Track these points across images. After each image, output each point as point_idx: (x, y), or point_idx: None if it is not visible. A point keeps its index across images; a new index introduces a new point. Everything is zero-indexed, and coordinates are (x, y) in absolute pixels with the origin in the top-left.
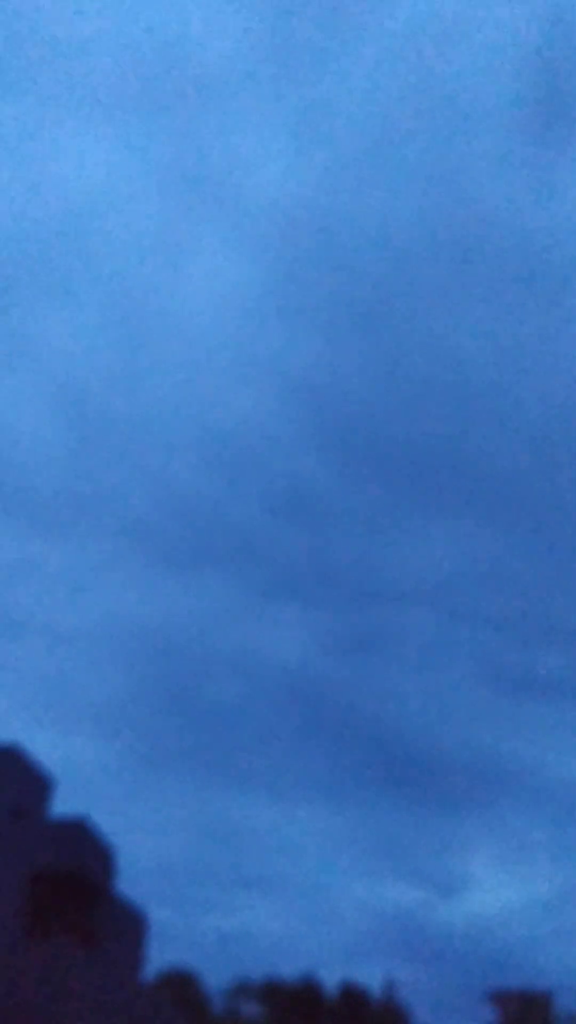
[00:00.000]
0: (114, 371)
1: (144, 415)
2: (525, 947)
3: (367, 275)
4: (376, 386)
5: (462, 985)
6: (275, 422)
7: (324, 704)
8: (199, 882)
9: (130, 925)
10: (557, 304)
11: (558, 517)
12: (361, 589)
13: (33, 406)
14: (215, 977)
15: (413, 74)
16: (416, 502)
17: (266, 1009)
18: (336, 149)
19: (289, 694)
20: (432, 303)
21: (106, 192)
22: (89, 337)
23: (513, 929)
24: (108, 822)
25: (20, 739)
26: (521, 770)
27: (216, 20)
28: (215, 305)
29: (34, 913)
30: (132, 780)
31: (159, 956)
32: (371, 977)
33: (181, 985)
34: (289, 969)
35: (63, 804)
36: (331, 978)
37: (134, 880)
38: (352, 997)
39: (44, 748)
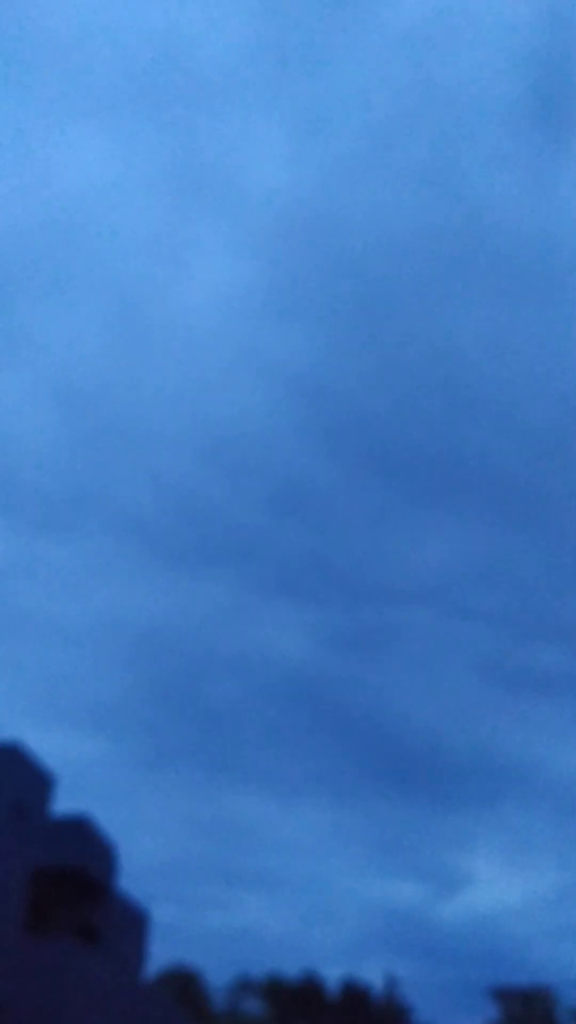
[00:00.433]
0: (114, 370)
1: (144, 414)
2: (527, 944)
3: (367, 274)
4: (376, 385)
5: (464, 982)
6: (275, 421)
7: (325, 701)
8: (200, 879)
9: (131, 922)
10: (557, 304)
11: (558, 514)
12: (362, 587)
13: (33, 405)
14: (217, 974)
15: (413, 74)
16: (416, 500)
17: (268, 1006)
18: (336, 149)
19: (290, 691)
20: (432, 303)
21: (106, 192)
22: (89, 336)
23: (515, 926)
24: (109, 820)
25: (21, 737)
26: (522, 766)
27: (216, 20)
28: (215, 304)
29: (36, 910)
30: (133, 778)
31: (161, 953)
32: (373, 974)
33: (183, 982)
34: (291, 966)
35: (64, 802)
36: (333, 975)
37: (135, 877)
38: (354, 994)
39: (45, 746)
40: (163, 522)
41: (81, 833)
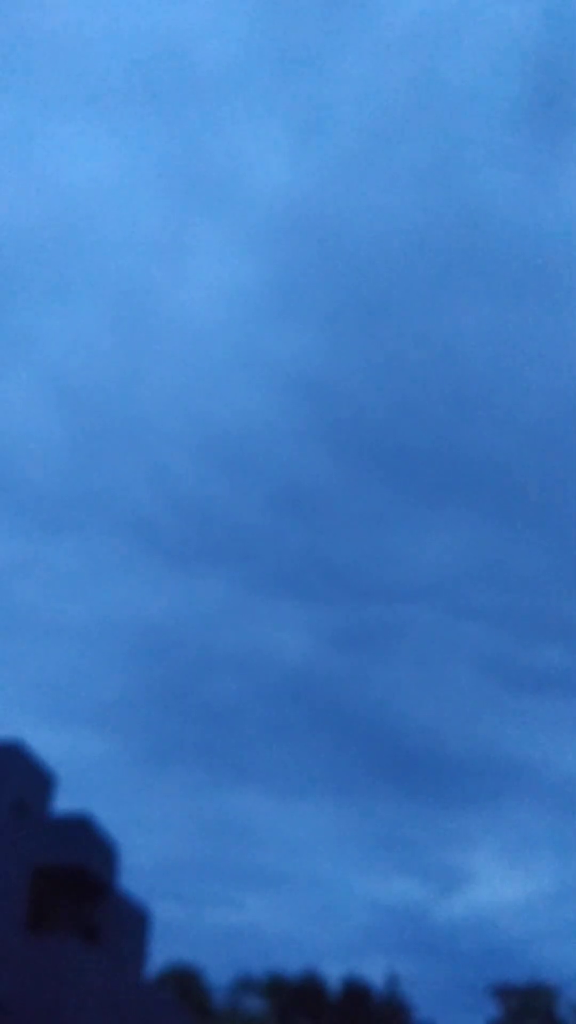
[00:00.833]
0: (115, 369)
1: (145, 413)
2: (528, 942)
3: (367, 273)
4: (377, 384)
5: (465, 980)
6: (276, 419)
7: (326, 700)
8: (202, 878)
9: (133, 921)
10: (557, 304)
11: (559, 513)
12: (363, 585)
13: (33, 405)
14: (218, 972)
15: (413, 74)
16: (417, 499)
17: (269, 1004)
18: (336, 148)
19: (291, 690)
20: (432, 302)
21: (106, 192)
22: (89, 336)
23: (516, 924)
24: (110, 818)
25: (22, 736)
26: (524, 765)
27: (216, 20)
28: (216, 303)
29: (37, 909)
30: (134, 776)
31: (162, 952)
32: (374, 972)
33: (184, 981)
34: (292, 964)
35: (65, 800)
36: (334, 973)
37: (137, 876)
38: (355, 992)
39: (46, 745)
40: (164, 521)
41: (82, 832)
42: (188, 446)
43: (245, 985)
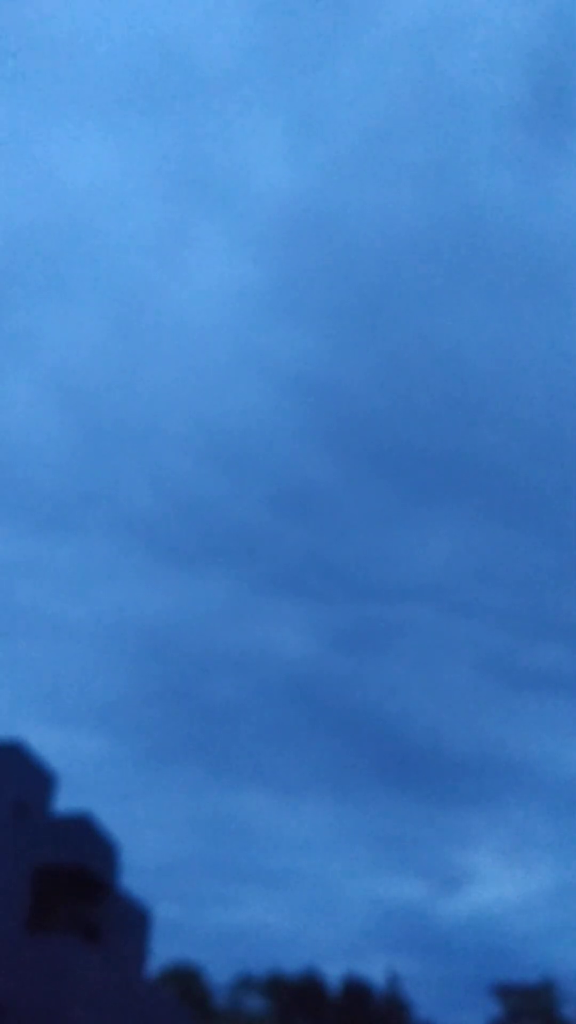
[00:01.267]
0: (115, 369)
1: (145, 413)
2: (529, 941)
3: (367, 273)
4: (377, 383)
5: (465, 979)
6: (276, 419)
7: (327, 699)
8: (202, 877)
9: (134, 920)
10: (557, 303)
11: (560, 512)
12: (363, 585)
13: (34, 405)
14: (219, 971)
15: (413, 73)
16: (418, 498)
17: (269, 1003)
18: (336, 148)
19: (291, 689)
20: (432, 301)
21: (106, 192)
22: (90, 336)
23: (516, 923)
24: (111, 818)
25: (23, 735)
26: (524, 764)
27: (216, 20)
28: (216, 303)
29: (38, 909)
30: (135, 776)
31: (163, 951)
32: (374, 971)
33: (185, 980)
34: (292, 963)
35: (66, 800)
36: (334, 972)
37: (137, 875)
38: (355, 991)
39: (47, 744)
40: (165, 521)
41: (83, 831)
42: (189, 446)
43: (245, 984)
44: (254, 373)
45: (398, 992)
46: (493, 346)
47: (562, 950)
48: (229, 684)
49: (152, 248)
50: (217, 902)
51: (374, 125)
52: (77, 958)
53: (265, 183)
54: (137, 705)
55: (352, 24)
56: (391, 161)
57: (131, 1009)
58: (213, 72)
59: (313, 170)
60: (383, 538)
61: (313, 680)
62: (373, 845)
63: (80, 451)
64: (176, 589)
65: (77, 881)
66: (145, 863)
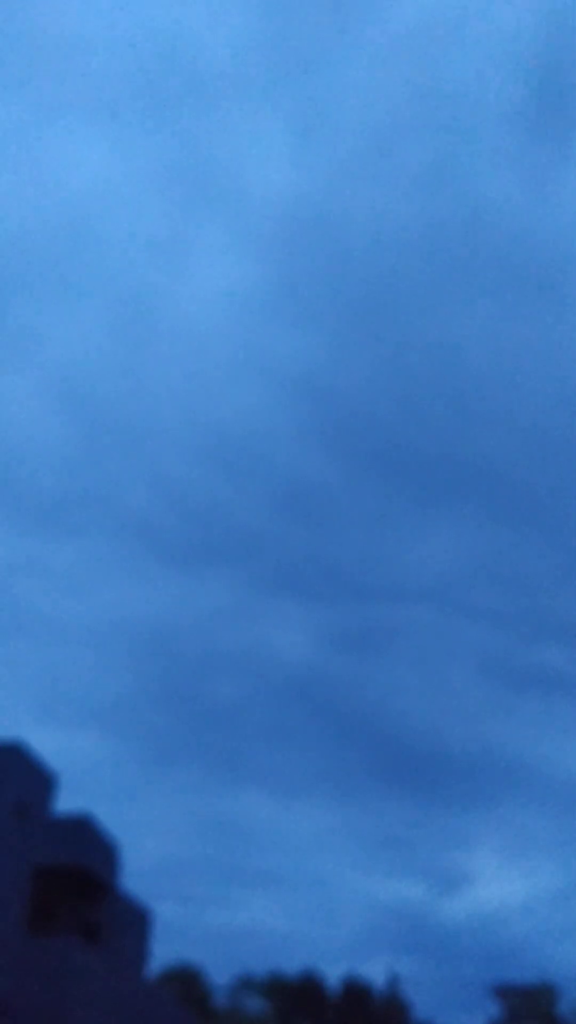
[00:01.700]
0: (116, 370)
1: (146, 414)
2: (529, 942)
3: (368, 274)
4: (378, 384)
5: (465, 980)
6: (277, 421)
7: (327, 700)
8: (203, 878)
9: (134, 921)
10: (557, 305)
11: (559, 514)
12: (364, 586)
13: (35, 405)
14: (219, 972)
15: (413, 74)
16: (418, 499)
17: (269, 1004)
18: (337, 150)
19: (292, 690)
20: (432, 302)
21: (107, 192)
22: (91, 337)
23: (516, 924)
24: (111, 818)
25: (23, 736)
26: (524, 765)
27: (216, 20)
28: (217, 304)
29: (38, 909)
30: (135, 777)
31: (163, 951)
32: (374, 972)
33: (185, 980)
34: (292, 964)
35: (67, 801)
36: (334, 973)
37: (138, 876)
38: (355, 992)
39: (47, 745)
40: (165, 522)
41: (83, 832)
42: (189, 447)
43: (246, 985)
44: (255, 374)
45: (398, 993)
46: (493, 347)
47: (562, 951)
48: (229, 685)
49: (153, 249)
50: (217, 903)
51: (375, 127)
52: (77, 958)
53: (266, 185)
54: (137, 706)
55: (353, 26)
56: (392, 163)
57: (131, 1009)
58: (215, 74)
59: (314, 172)
60: (383, 539)
61: (313, 681)
62: (373, 846)
63: (81, 452)
64: (176, 589)
65: (77, 881)
66: (145, 863)
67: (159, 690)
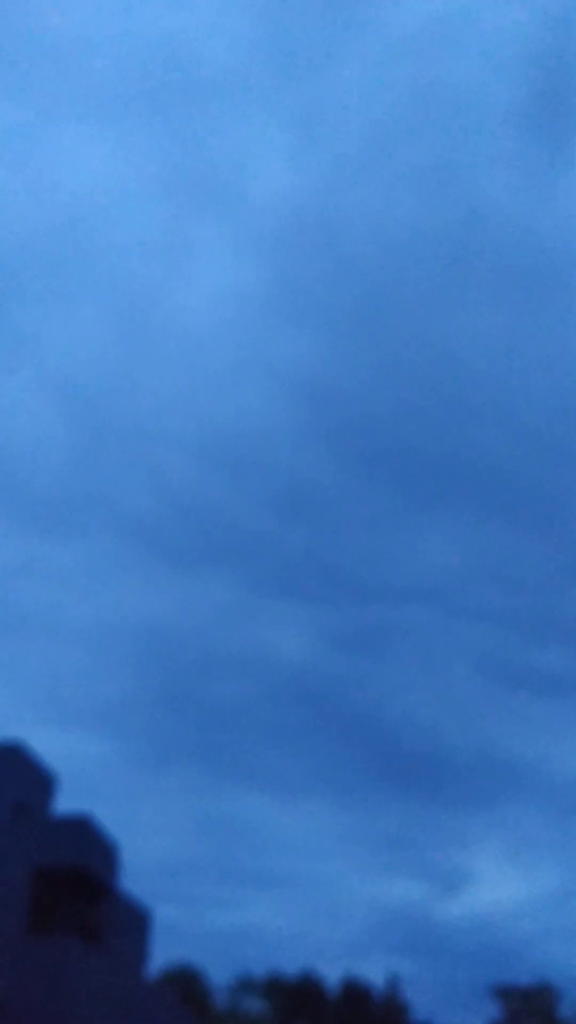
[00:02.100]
0: (115, 370)
1: (146, 414)
2: (529, 943)
3: (367, 274)
4: (377, 384)
5: (465, 981)
6: (277, 421)
7: (326, 701)
8: (202, 878)
9: (134, 922)
10: (557, 305)
11: (559, 514)
12: (363, 586)
13: (34, 405)
14: (218, 973)
15: (413, 74)
16: (418, 499)
17: (269, 1004)
18: (337, 151)
19: (291, 691)
20: (432, 302)
21: (107, 192)
22: (90, 337)
23: (517, 925)
24: (111, 819)
25: (23, 736)
26: (525, 765)
27: (216, 21)
28: (217, 305)
29: (37, 910)
30: (135, 777)
31: (163, 952)
32: (374, 973)
33: (185, 981)
34: (292, 965)
35: (66, 801)
36: (334, 973)
37: (137, 877)
38: (354, 993)
39: (47, 745)
40: (165, 522)
41: (83, 833)
42: (189, 448)
43: (245, 985)
44: (255, 375)
45: (397, 993)
46: (493, 347)
47: (562, 952)
48: (229, 685)
49: (153, 250)
50: (217, 903)
51: (375, 128)
52: (77, 959)
53: (266, 186)
54: (137, 706)
55: (353, 27)
56: (392, 164)
57: (131, 1010)
58: (215, 75)
59: (314, 173)
60: (383, 539)
61: (313, 681)
62: (373, 846)
63: (81, 452)
64: (176, 590)
65: (77, 882)
66: (145, 864)
67: (159, 690)
